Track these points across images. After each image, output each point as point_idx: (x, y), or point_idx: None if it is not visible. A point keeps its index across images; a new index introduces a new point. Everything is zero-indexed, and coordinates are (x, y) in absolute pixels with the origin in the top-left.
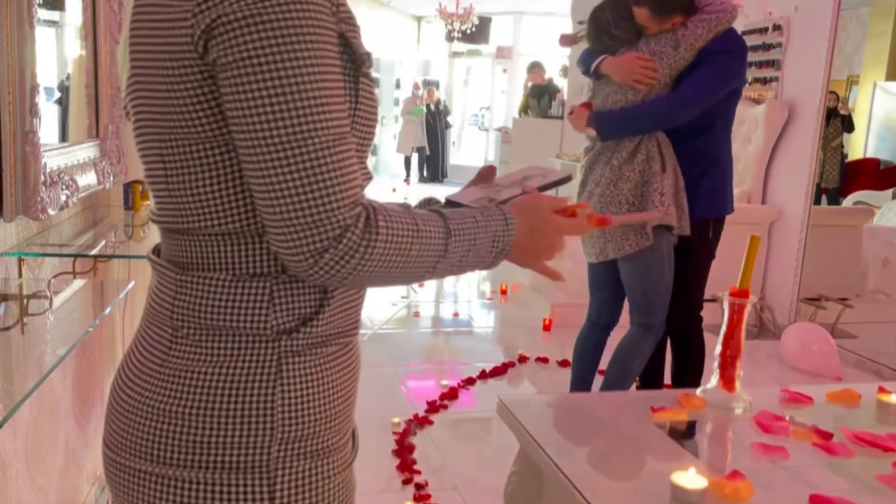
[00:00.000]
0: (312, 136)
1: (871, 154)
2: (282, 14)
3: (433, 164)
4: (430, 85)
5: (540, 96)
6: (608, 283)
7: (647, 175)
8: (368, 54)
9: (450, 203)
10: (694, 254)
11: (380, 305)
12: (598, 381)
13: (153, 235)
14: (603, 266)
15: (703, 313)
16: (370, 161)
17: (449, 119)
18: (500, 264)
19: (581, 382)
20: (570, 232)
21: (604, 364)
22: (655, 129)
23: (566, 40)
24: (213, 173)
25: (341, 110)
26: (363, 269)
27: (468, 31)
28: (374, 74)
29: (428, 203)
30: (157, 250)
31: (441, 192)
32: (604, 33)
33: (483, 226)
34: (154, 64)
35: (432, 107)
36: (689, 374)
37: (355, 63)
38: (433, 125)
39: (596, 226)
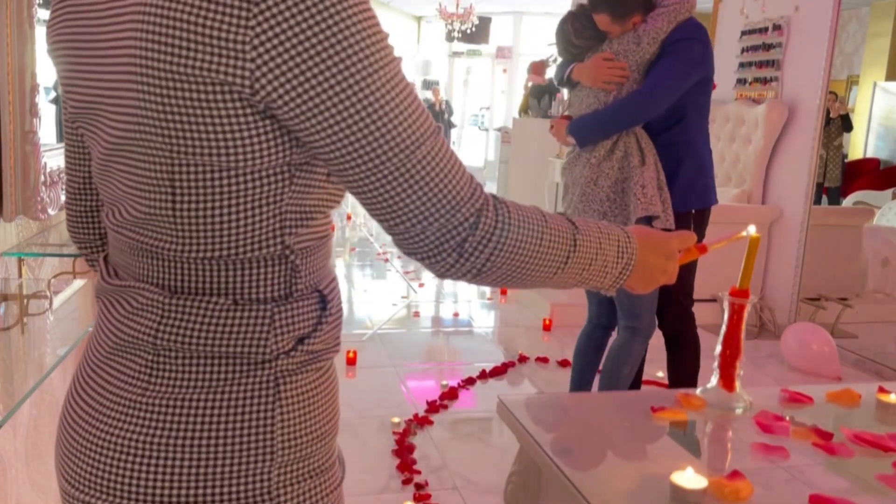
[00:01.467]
0: (414, 145)
1: (871, 154)
2: (341, 32)
3: None
4: (432, 85)
5: (540, 96)
6: None
7: (627, 171)
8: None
9: None
10: None
11: (380, 305)
12: (598, 380)
13: None
14: None
15: (702, 313)
16: None
17: (452, 119)
18: (623, 284)
19: (581, 382)
20: (683, 259)
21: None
22: (629, 127)
23: (537, 68)
24: (231, 201)
25: (418, 103)
26: (501, 253)
27: (468, 31)
28: None
29: None
30: (111, 273)
31: None
32: (568, 43)
33: (606, 233)
34: (167, 85)
35: (437, 107)
36: (683, 373)
37: None
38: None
39: (699, 255)
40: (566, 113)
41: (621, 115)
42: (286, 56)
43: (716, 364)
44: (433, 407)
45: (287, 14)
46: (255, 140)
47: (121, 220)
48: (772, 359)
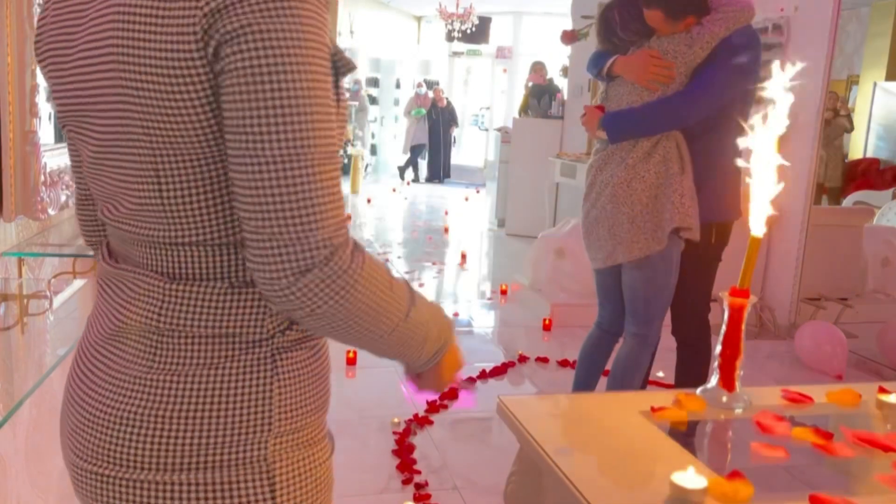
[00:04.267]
0: (309, 153)
1: (871, 154)
2: (292, 27)
3: (434, 164)
4: (433, 85)
5: (540, 96)
6: (618, 294)
7: (664, 176)
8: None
9: None
10: (698, 259)
11: None
12: (601, 382)
13: None
14: (611, 275)
15: (708, 316)
16: (370, 161)
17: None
18: (427, 365)
19: (585, 386)
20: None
21: (607, 365)
22: (666, 129)
23: (567, 37)
24: (214, 187)
25: (332, 128)
26: (344, 297)
27: (468, 31)
28: (374, 74)
29: None
30: (113, 257)
31: (441, 191)
32: (612, 33)
33: (436, 312)
34: (143, 77)
35: (438, 106)
36: (692, 378)
37: (337, 71)
38: (436, 125)
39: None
40: (601, 103)
41: (659, 116)
42: (240, 29)
43: (716, 364)
44: (433, 407)
45: (237, 9)
46: (219, 126)
47: (116, 215)
48: (772, 359)
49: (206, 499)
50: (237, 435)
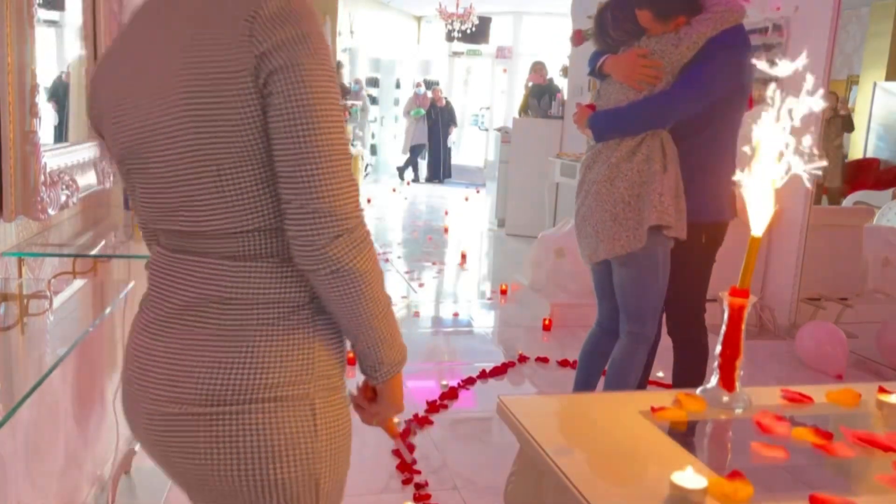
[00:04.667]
0: (335, 150)
1: (871, 154)
2: (314, 62)
3: (434, 164)
4: (433, 85)
5: (540, 96)
6: (613, 291)
7: (646, 175)
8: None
9: None
10: (689, 259)
11: None
12: (600, 382)
13: None
14: (604, 272)
15: (704, 316)
16: (370, 161)
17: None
18: (393, 371)
19: (585, 385)
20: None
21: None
22: (648, 128)
23: (577, 37)
24: (262, 186)
25: (344, 132)
26: (363, 259)
27: (468, 31)
28: (374, 74)
29: None
30: (170, 249)
31: (441, 191)
32: (605, 33)
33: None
34: (213, 109)
35: (437, 106)
36: (689, 379)
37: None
38: (435, 124)
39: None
40: (593, 102)
41: (642, 115)
42: (283, 64)
43: (716, 364)
44: (433, 407)
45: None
46: (265, 136)
47: (183, 223)
48: (772, 359)
49: (272, 426)
50: (292, 376)
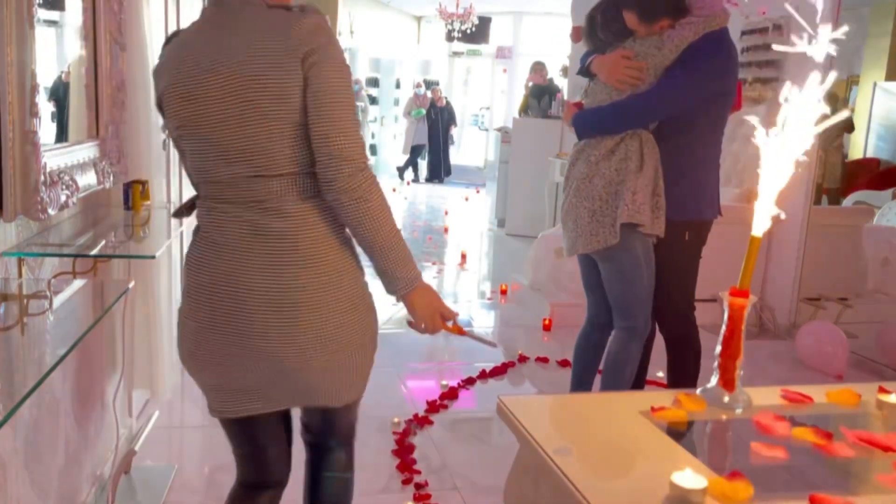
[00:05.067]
0: (352, 115)
1: (871, 154)
2: (338, 59)
3: (434, 164)
4: (433, 85)
5: (540, 96)
6: (599, 284)
7: (623, 174)
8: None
9: None
10: (674, 257)
11: (380, 305)
12: (598, 380)
13: (153, 235)
14: (591, 266)
15: (702, 313)
16: (370, 161)
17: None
18: (413, 290)
19: (581, 383)
20: (445, 314)
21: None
22: (626, 128)
23: (576, 34)
24: (299, 141)
25: (354, 106)
26: (378, 189)
27: (468, 31)
28: (374, 74)
29: None
30: (231, 201)
31: (441, 191)
32: (593, 32)
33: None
34: (274, 85)
35: (437, 106)
36: (683, 376)
37: None
38: (435, 124)
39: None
40: (580, 101)
41: (621, 115)
42: (314, 73)
43: (716, 364)
44: (433, 407)
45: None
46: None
47: (240, 172)
48: (772, 359)
49: (358, 363)
50: (348, 283)
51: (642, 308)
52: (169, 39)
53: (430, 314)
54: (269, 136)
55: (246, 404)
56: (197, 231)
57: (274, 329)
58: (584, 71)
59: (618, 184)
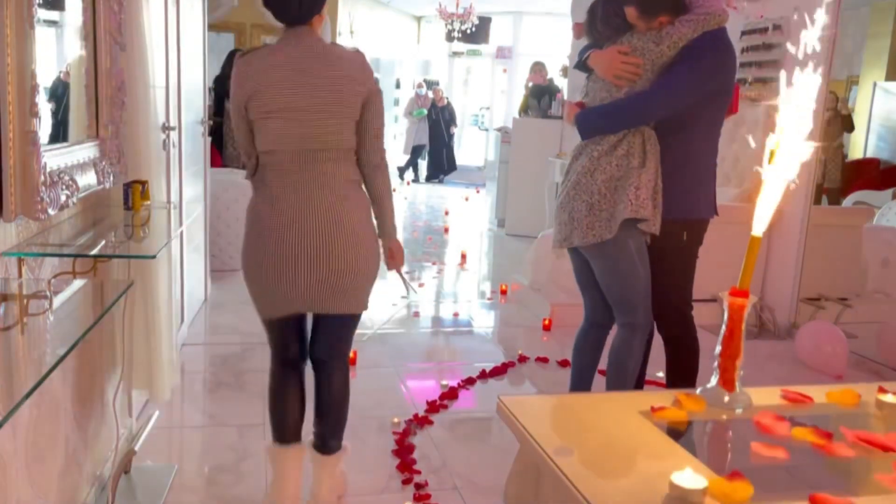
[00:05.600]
0: (383, 125)
1: (871, 154)
2: (380, 94)
3: (435, 164)
4: (433, 85)
5: (540, 96)
6: (593, 282)
7: (624, 170)
8: None
9: None
10: (671, 257)
11: (380, 305)
12: (597, 380)
13: (153, 235)
14: (584, 264)
15: (702, 313)
16: None
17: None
18: (393, 234)
19: (580, 382)
20: (400, 260)
21: (603, 363)
22: (627, 127)
23: (577, 29)
24: (353, 131)
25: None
26: (387, 171)
27: (468, 31)
28: (374, 75)
29: None
30: (298, 166)
31: (441, 191)
32: (593, 26)
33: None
34: (351, 100)
35: (438, 105)
36: (682, 376)
37: None
38: (436, 124)
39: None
40: (582, 100)
41: (622, 114)
42: (373, 90)
43: (716, 364)
44: (433, 407)
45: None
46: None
47: (316, 143)
48: (772, 359)
49: (367, 291)
50: (373, 225)
51: (641, 303)
52: (243, 54)
53: (402, 255)
54: (338, 125)
55: (290, 307)
56: (260, 196)
57: (338, 239)
58: (581, 65)
59: (618, 179)
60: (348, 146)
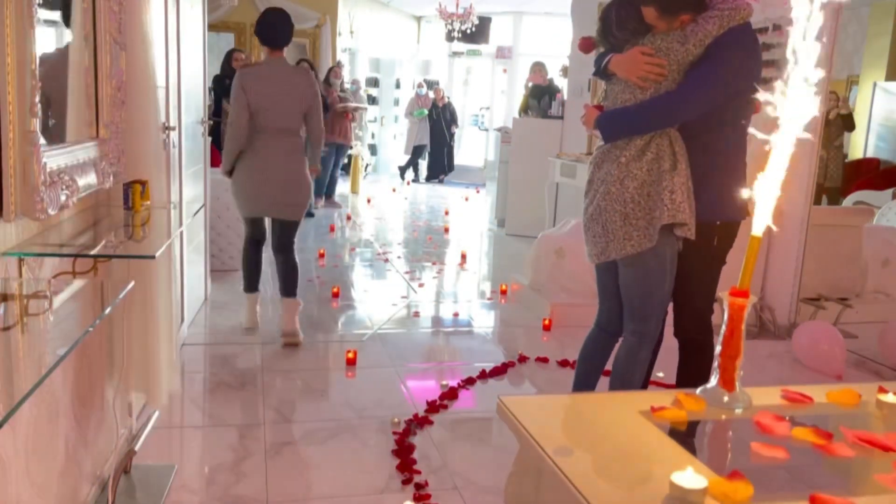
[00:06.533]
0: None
1: (871, 154)
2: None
3: (435, 163)
4: (433, 85)
5: (540, 96)
6: (616, 292)
7: (656, 174)
8: None
9: None
10: (700, 261)
11: (380, 305)
12: (600, 382)
13: (153, 235)
14: (610, 273)
15: (711, 318)
16: (370, 161)
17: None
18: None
19: (584, 385)
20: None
21: (607, 365)
22: (655, 128)
23: (584, 44)
24: (303, 119)
25: None
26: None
27: (468, 31)
28: (374, 74)
29: None
30: (271, 135)
31: (441, 191)
32: (608, 32)
33: None
34: (308, 98)
35: (438, 105)
36: (694, 379)
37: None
38: (437, 124)
39: None
40: (600, 103)
41: (650, 115)
42: (315, 100)
43: (716, 364)
44: (433, 407)
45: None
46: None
47: (285, 125)
48: (772, 359)
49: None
50: (305, 171)
51: (657, 314)
52: (243, 65)
53: (317, 170)
54: (298, 115)
55: (262, 212)
56: (249, 152)
57: (290, 179)
58: (602, 72)
59: (650, 185)
60: (299, 127)
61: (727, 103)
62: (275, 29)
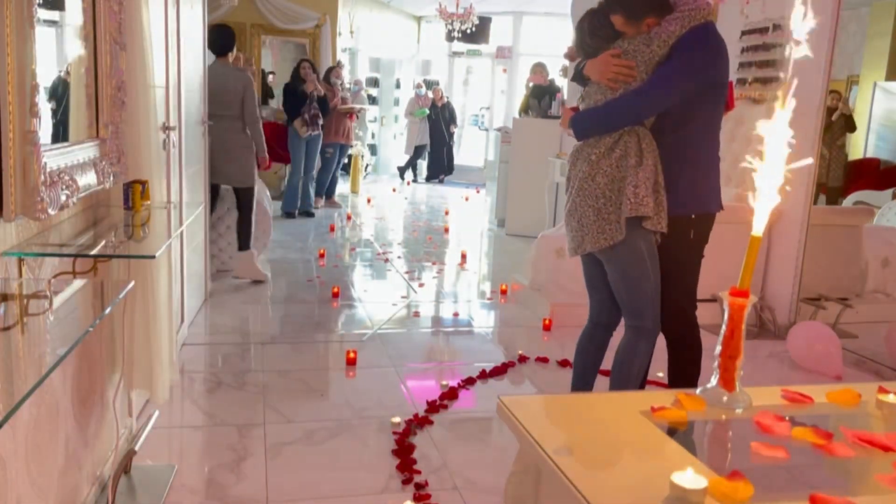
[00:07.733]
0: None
1: (871, 154)
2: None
3: (435, 163)
4: (433, 85)
5: (540, 96)
6: (602, 284)
7: (624, 170)
8: None
9: None
10: (676, 255)
11: (380, 305)
12: (598, 380)
13: (153, 235)
14: (594, 266)
15: (702, 313)
16: (371, 161)
17: (455, 119)
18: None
19: (582, 383)
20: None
21: (605, 363)
22: (621, 125)
23: (571, 53)
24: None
25: None
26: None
27: (468, 31)
28: (374, 74)
29: None
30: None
31: (441, 191)
32: (582, 41)
33: None
34: (245, 94)
35: (437, 105)
36: (683, 376)
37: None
38: (436, 123)
39: None
40: (577, 105)
41: (615, 113)
42: (249, 93)
43: (716, 364)
44: (433, 407)
45: None
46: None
47: (226, 113)
48: (772, 359)
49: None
50: (251, 148)
51: (650, 306)
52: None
53: (265, 161)
54: (238, 105)
55: (219, 180)
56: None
57: (234, 157)
58: (578, 76)
59: (619, 180)
60: (240, 113)
61: (694, 99)
62: (216, 42)
